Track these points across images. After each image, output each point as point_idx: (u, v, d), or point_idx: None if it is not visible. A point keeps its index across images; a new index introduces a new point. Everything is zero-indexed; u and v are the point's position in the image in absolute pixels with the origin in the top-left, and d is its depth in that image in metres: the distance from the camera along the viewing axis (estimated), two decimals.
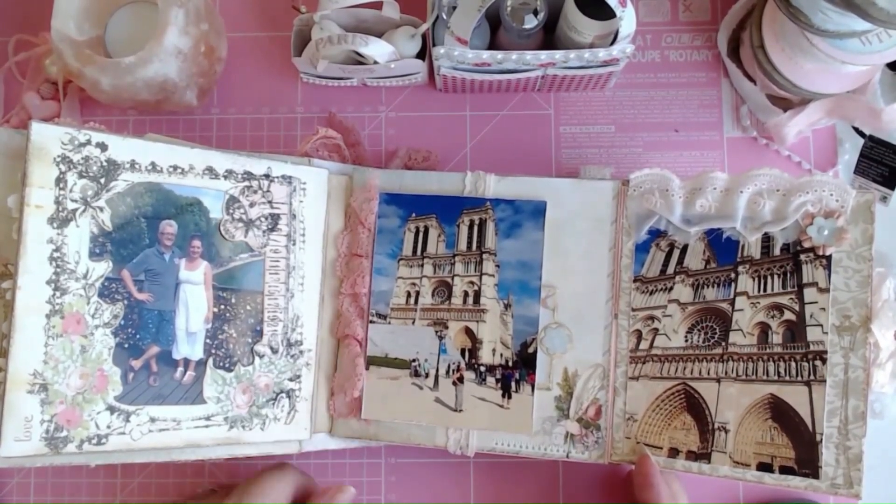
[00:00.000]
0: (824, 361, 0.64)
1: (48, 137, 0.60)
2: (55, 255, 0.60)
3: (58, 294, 0.60)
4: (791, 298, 0.66)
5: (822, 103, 0.73)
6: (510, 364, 0.70)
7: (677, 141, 0.79)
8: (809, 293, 0.65)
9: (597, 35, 0.70)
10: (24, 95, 0.78)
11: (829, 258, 0.65)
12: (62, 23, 0.71)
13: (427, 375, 0.71)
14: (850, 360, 0.64)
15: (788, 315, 0.66)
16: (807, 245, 0.65)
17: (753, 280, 0.67)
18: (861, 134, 0.76)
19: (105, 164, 0.62)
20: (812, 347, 0.65)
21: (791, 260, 0.66)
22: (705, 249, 0.69)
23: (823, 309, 0.65)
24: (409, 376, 0.71)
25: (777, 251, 0.67)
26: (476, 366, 0.70)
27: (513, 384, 0.70)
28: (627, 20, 0.67)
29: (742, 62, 0.77)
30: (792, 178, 0.65)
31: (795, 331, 0.65)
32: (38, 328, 0.59)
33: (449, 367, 0.71)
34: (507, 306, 0.70)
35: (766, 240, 0.67)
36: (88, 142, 0.62)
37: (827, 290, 0.65)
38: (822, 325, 0.65)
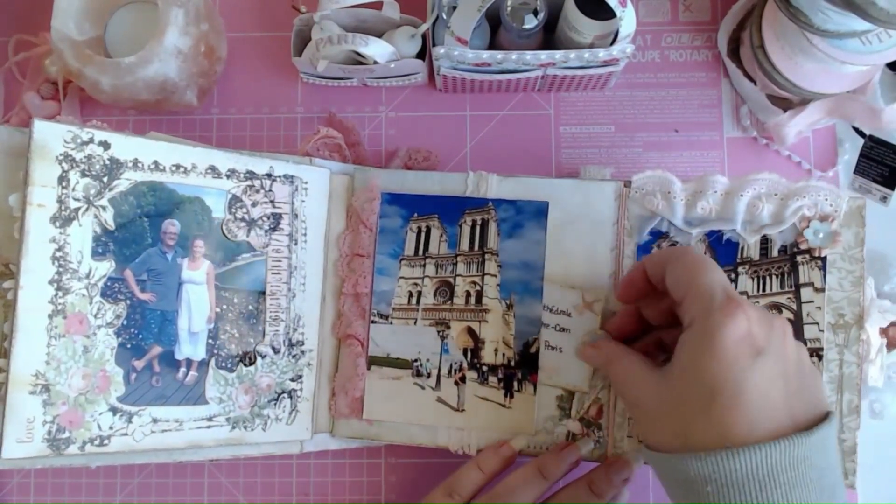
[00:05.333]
0: (821, 358, 0.67)
1: (50, 136, 0.60)
2: (57, 254, 0.60)
3: (60, 294, 0.60)
4: (789, 298, 0.68)
5: (822, 103, 0.73)
6: (512, 364, 0.70)
7: (677, 141, 0.80)
8: (806, 293, 0.67)
9: (597, 35, 0.70)
10: (24, 95, 0.77)
11: (824, 259, 0.67)
12: (62, 23, 0.70)
13: (429, 375, 0.71)
14: (845, 357, 0.67)
15: (787, 314, 0.68)
16: (803, 247, 0.67)
17: (753, 280, 0.68)
18: (861, 134, 0.76)
19: (108, 162, 0.62)
20: (809, 345, 0.67)
21: (788, 261, 0.68)
22: (706, 251, 0.69)
23: (819, 308, 0.67)
24: (411, 376, 0.71)
25: (775, 253, 0.68)
26: (478, 366, 0.70)
27: (515, 384, 0.70)
28: (627, 20, 0.67)
29: (742, 62, 0.77)
30: (789, 182, 0.67)
31: (793, 329, 0.65)
32: (40, 328, 0.59)
33: (451, 366, 0.71)
34: (509, 306, 0.71)
35: (765, 242, 0.68)
36: (91, 140, 0.61)
37: (822, 290, 0.67)
38: (818, 323, 0.67)
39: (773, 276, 0.68)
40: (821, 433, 0.51)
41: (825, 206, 0.67)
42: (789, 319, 0.66)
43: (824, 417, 0.53)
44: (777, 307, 0.68)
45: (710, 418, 0.52)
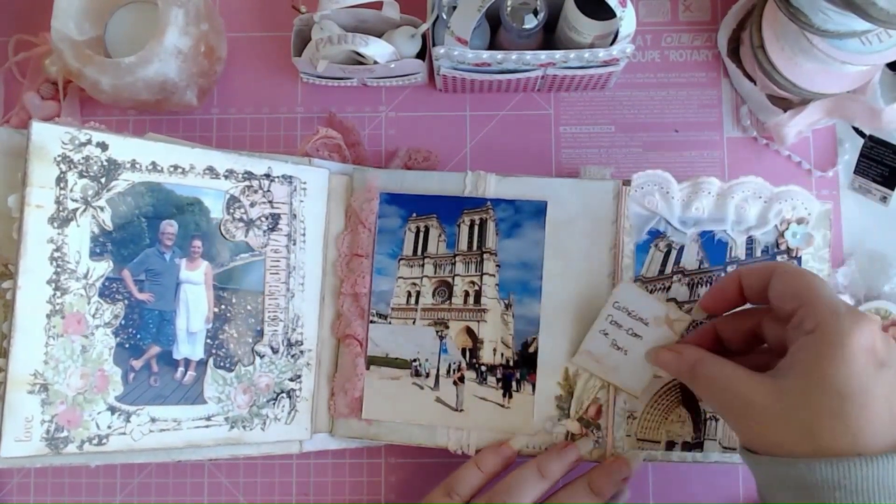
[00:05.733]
0: None
1: (48, 137, 0.60)
2: (56, 254, 0.60)
3: (58, 294, 0.60)
4: None
5: (822, 103, 0.73)
6: (511, 364, 0.70)
7: (677, 141, 0.79)
8: None
9: (597, 35, 0.70)
10: (24, 95, 0.77)
11: (799, 259, 0.70)
12: (62, 23, 0.71)
13: (428, 375, 0.71)
14: None
15: None
16: (783, 248, 0.70)
17: None
18: (861, 134, 0.76)
19: (105, 163, 0.62)
20: None
21: (771, 260, 0.70)
22: (699, 250, 0.70)
23: None
24: (410, 376, 0.71)
25: (759, 253, 0.70)
26: (477, 365, 0.70)
27: (513, 384, 0.70)
28: (627, 20, 0.67)
29: (742, 62, 0.77)
30: (772, 187, 0.69)
31: None
32: (38, 328, 0.59)
33: (450, 366, 0.71)
34: (507, 306, 0.70)
35: (750, 242, 0.70)
36: (89, 141, 0.62)
37: None
38: None
39: None
40: None
41: (801, 210, 0.70)
42: None
43: None
44: None
45: (842, 422, 0.51)
